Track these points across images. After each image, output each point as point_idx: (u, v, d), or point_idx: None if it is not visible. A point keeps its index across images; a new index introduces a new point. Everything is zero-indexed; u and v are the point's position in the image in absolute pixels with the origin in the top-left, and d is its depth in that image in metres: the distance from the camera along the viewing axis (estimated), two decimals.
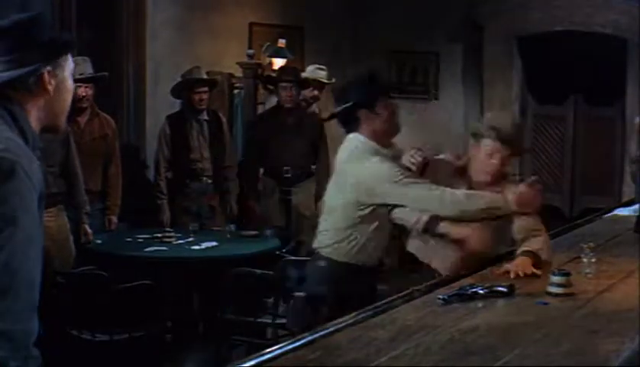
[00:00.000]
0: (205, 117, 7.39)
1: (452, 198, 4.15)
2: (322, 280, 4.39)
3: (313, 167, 7.83)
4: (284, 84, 7.58)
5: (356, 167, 4.36)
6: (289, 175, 7.64)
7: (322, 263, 4.41)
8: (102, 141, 6.82)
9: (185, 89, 7.31)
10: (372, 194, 4.27)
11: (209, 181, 7.39)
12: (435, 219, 4.16)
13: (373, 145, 4.40)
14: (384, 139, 4.47)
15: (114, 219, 6.92)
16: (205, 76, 7.44)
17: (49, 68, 2.37)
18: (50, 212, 5.90)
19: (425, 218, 4.17)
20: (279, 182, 7.66)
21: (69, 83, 2.46)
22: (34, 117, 2.37)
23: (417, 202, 4.22)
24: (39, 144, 2.39)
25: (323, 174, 7.26)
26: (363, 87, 4.52)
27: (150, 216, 7.33)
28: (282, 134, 7.55)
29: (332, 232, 4.42)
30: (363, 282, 4.38)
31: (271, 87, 8.05)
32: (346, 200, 4.34)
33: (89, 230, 6.42)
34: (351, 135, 4.50)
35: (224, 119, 7.62)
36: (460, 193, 4.19)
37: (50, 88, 2.37)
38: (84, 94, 6.53)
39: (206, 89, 7.33)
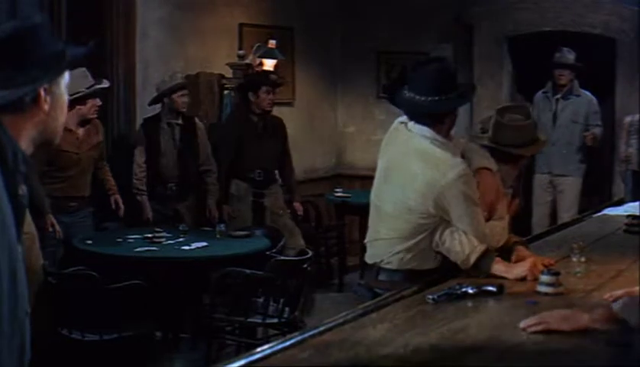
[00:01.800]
0: (179, 121, 7.42)
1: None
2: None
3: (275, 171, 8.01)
4: (266, 88, 7.64)
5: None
6: (261, 178, 7.76)
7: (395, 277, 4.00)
8: (97, 148, 6.89)
9: (167, 95, 7.37)
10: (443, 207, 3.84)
11: (174, 188, 7.40)
12: (489, 258, 3.83)
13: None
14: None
15: (119, 197, 7.02)
16: (182, 80, 7.48)
17: (45, 85, 2.17)
18: None
19: (475, 256, 3.80)
20: (252, 185, 7.75)
21: (65, 99, 2.27)
22: (26, 137, 2.17)
23: (474, 228, 3.85)
24: (25, 160, 2.16)
25: (289, 175, 8.00)
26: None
27: (138, 217, 7.35)
28: (252, 138, 7.63)
29: (396, 240, 4.00)
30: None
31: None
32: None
33: (54, 220, 6.42)
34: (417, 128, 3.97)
35: (199, 124, 7.65)
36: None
37: (46, 107, 2.18)
38: (97, 107, 6.59)
39: (186, 91, 7.41)
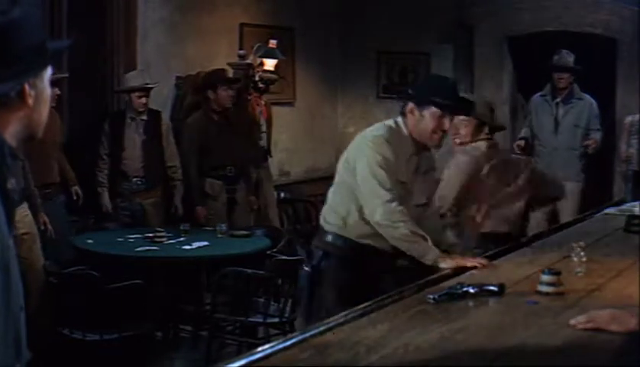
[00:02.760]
0: (144, 117, 7.45)
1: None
2: None
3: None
4: (224, 86, 7.67)
5: None
6: (232, 173, 7.81)
7: None
8: (58, 133, 6.94)
9: (127, 92, 7.41)
10: None
11: (139, 182, 7.42)
12: None
13: None
14: None
15: (78, 188, 7.14)
16: (148, 81, 7.46)
17: (30, 80, 2.14)
18: (23, 207, 5.91)
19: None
20: (225, 182, 7.79)
21: (48, 93, 2.25)
22: (11, 131, 2.15)
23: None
24: (12, 153, 2.16)
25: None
26: None
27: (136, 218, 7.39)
28: (216, 136, 7.65)
29: None
30: None
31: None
32: None
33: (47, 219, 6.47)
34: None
35: (165, 120, 7.68)
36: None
37: (31, 101, 2.15)
38: (56, 96, 6.58)
39: (146, 94, 7.42)
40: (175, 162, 7.60)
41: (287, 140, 9.88)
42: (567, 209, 8.35)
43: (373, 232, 4.33)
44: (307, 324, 4.48)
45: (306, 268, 4.69)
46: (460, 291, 3.42)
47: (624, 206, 6.06)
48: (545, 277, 3.55)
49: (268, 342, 2.91)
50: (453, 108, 4.39)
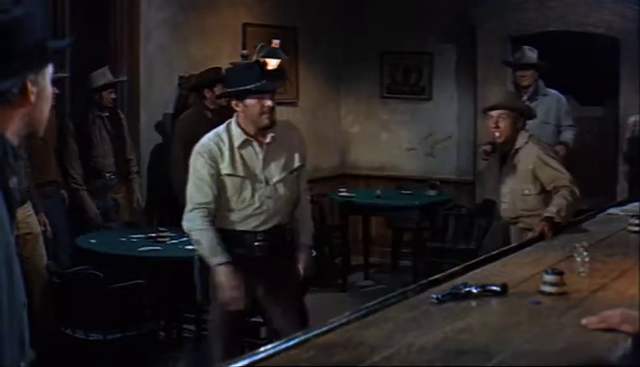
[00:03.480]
0: (106, 113, 7.46)
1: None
2: None
3: None
4: (221, 85, 7.67)
5: None
6: None
7: None
8: (55, 132, 6.98)
9: (95, 90, 7.38)
10: None
11: (112, 177, 7.44)
12: None
13: None
14: None
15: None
16: (112, 79, 7.48)
17: (32, 77, 2.14)
18: (26, 207, 5.91)
19: None
20: None
21: (49, 90, 2.25)
22: (13, 127, 2.16)
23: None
24: (16, 152, 2.23)
25: None
26: None
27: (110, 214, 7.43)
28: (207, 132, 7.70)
29: None
30: None
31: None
32: None
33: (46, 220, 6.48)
34: None
35: (122, 115, 7.67)
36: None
37: (32, 97, 2.15)
38: (54, 95, 6.57)
39: (115, 89, 7.48)
40: (133, 155, 7.68)
41: None
42: None
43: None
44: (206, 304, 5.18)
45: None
46: (463, 291, 3.42)
47: (627, 206, 6.06)
48: (548, 277, 3.55)
49: (271, 342, 2.90)
50: (265, 89, 4.77)
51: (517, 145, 5.56)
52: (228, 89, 4.97)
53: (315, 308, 7.05)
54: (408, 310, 3.26)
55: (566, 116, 8.11)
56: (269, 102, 4.75)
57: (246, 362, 2.59)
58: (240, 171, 4.78)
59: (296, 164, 5.08)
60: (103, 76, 7.37)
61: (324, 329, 2.95)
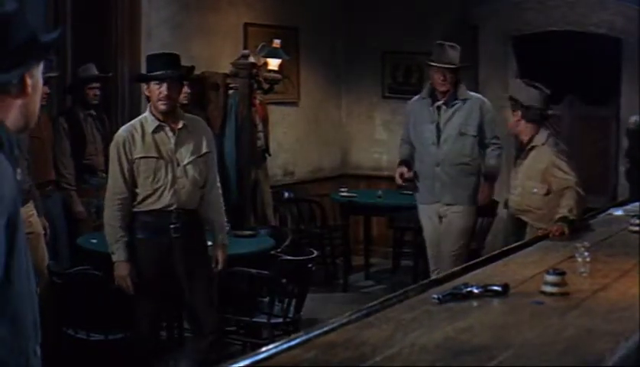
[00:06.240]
0: (93, 112, 7.43)
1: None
2: None
3: None
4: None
5: None
6: None
7: None
8: (51, 130, 6.99)
9: (79, 85, 7.37)
10: None
11: (105, 175, 7.40)
12: None
13: None
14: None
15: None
16: (96, 73, 7.44)
17: (29, 69, 2.23)
18: (29, 206, 5.91)
19: None
20: None
21: (41, 83, 2.33)
22: (11, 118, 2.23)
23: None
24: (18, 143, 2.27)
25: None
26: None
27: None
28: None
29: None
30: None
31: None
32: None
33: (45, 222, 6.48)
34: None
35: (104, 115, 7.62)
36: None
37: (29, 90, 2.23)
38: (46, 95, 6.58)
39: (99, 85, 7.41)
40: None
41: (291, 140, 9.89)
42: (450, 239, 6.68)
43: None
44: None
45: None
46: (464, 291, 3.43)
47: (628, 207, 6.06)
48: (550, 278, 3.55)
49: (272, 342, 2.90)
50: (157, 77, 5.19)
51: (534, 142, 5.64)
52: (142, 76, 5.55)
53: (316, 308, 7.09)
54: (410, 310, 3.26)
55: (489, 127, 6.73)
56: (163, 89, 5.17)
57: (247, 361, 2.59)
58: (154, 152, 5.24)
59: (204, 149, 5.38)
60: (88, 70, 7.36)
61: (326, 329, 2.95)
